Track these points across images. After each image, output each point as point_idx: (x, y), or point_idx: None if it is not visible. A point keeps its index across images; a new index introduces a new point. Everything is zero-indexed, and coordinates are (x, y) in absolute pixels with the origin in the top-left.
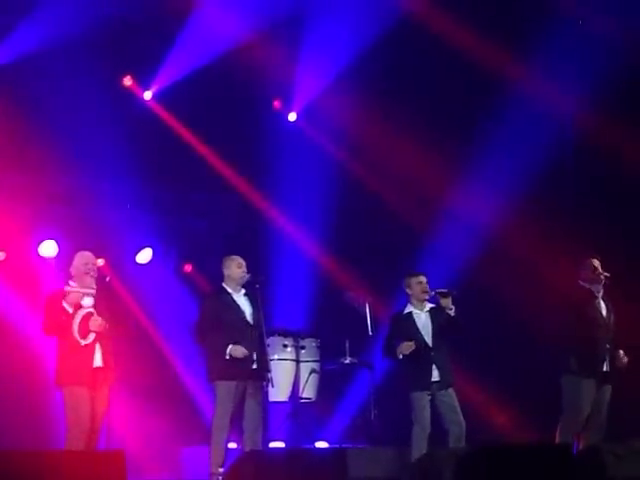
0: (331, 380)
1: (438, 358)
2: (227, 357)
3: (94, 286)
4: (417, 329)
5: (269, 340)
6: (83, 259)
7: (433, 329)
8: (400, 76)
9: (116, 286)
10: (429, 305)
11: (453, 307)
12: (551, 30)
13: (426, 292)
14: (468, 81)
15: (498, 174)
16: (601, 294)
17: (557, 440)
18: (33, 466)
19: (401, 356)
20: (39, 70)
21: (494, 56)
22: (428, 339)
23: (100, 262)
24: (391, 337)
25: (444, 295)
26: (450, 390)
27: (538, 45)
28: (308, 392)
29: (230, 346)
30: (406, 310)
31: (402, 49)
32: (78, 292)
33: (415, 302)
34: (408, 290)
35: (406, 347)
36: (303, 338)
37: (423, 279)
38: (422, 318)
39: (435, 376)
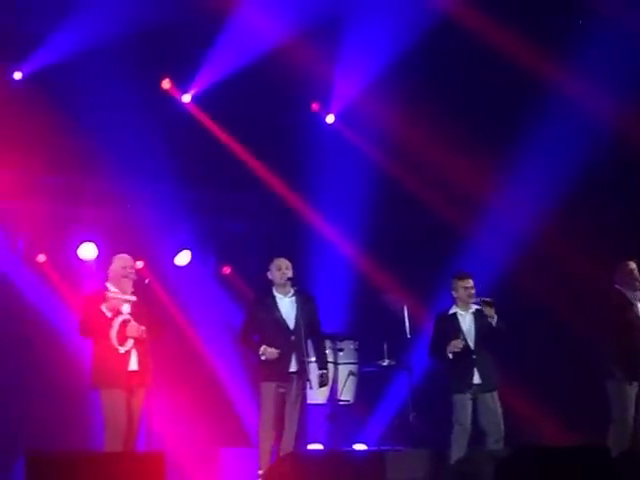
0: (369, 382)
1: (480, 361)
2: (262, 358)
3: (132, 289)
4: (461, 331)
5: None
6: (121, 262)
7: (476, 332)
8: (438, 77)
9: (155, 288)
10: (474, 307)
11: (495, 316)
12: (590, 30)
13: (471, 297)
14: (506, 82)
15: (536, 175)
16: (638, 297)
17: (609, 444)
18: (74, 467)
19: (451, 355)
20: (78, 73)
21: (532, 57)
22: (471, 341)
23: (139, 265)
24: (436, 337)
25: (488, 304)
26: (494, 393)
27: (577, 46)
28: (346, 394)
29: (262, 347)
30: (451, 311)
31: (440, 50)
32: (119, 299)
33: (460, 304)
34: (454, 292)
35: (455, 344)
36: (341, 340)
37: (470, 283)
38: (467, 320)
39: (476, 379)
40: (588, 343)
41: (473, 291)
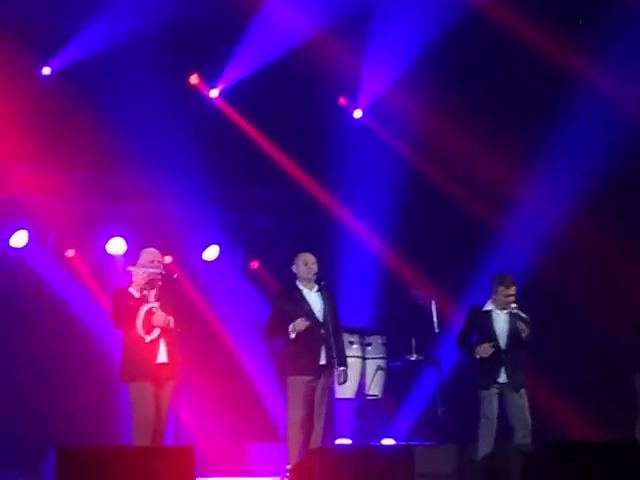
0: (397, 377)
1: (508, 360)
2: (292, 336)
3: (159, 277)
4: (493, 329)
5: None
6: (149, 256)
7: (509, 332)
8: (467, 72)
9: (183, 283)
10: (509, 307)
11: (527, 331)
12: (621, 26)
13: (510, 303)
14: (536, 77)
15: (566, 171)
16: None
17: (637, 438)
18: (103, 462)
19: (478, 356)
20: (107, 68)
21: (561, 50)
22: (502, 341)
23: (168, 259)
24: (467, 330)
25: (522, 320)
26: (522, 391)
27: (608, 41)
28: (374, 389)
29: (291, 325)
30: (486, 307)
31: (469, 45)
32: (141, 270)
33: (497, 304)
34: (493, 293)
35: (485, 349)
36: (369, 335)
37: (512, 291)
38: (501, 319)
39: (503, 378)
40: (616, 337)
41: (513, 299)
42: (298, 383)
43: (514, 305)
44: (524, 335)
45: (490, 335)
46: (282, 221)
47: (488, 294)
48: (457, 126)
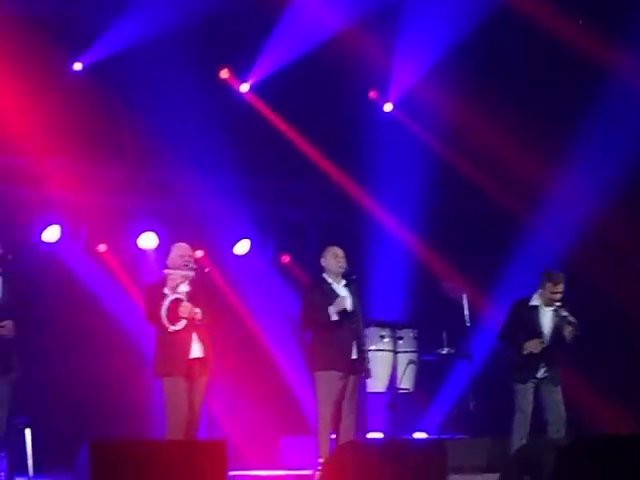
0: (429, 371)
1: (549, 357)
2: (335, 317)
3: (191, 277)
4: (540, 325)
5: (366, 331)
6: (180, 250)
7: (552, 330)
8: (497, 64)
9: (214, 277)
10: (554, 305)
11: (573, 334)
12: None
13: (556, 301)
14: (567, 69)
15: (597, 163)
16: None
17: None
18: (136, 456)
19: (526, 352)
20: (137, 63)
21: (592, 43)
22: (545, 337)
23: (199, 254)
24: (512, 324)
25: (570, 323)
26: (557, 387)
27: (638, 31)
28: (406, 383)
29: (331, 307)
30: (533, 302)
31: (499, 37)
32: (177, 275)
33: (543, 299)
34: (541, 289)
35: (536, 345)
36: (400, 329)
37: (560, 288)
38: (547, 316)
39: (541, 373)
40: None
41: (560, 296)
42: (327, 378)
43: (558, 304)
44: (569, 337)
45: (536, 331)
46: (312, 215)
47: (519, 287)
48: (487, 119)
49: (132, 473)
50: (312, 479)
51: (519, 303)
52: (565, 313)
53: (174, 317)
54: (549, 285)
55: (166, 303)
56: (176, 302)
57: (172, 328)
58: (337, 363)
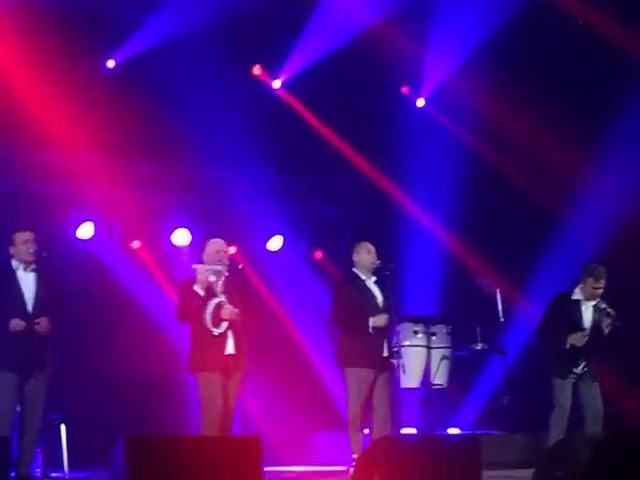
0: (462, 366)
1: (587, 352)
2: (371, 330)
3: (224, 271)
4: (581, 319)
5: (400, 327)
6: (215, 246)
7: (592, 325)
8: (530, 59)
9: (248, 273)
10: (595, 300)
11: (611, 327)
12: None
13: (597, 297)
14: (601, 63)
15: (631, 158)
16: None
17: None
18: (172, 451)
19: (569, 346)
20: (168, 61)
21: (629, 37)
22: (587, 332)
23: (232, 250)
24: (552, 317)
25: (608, 315)
26: (595, 383)
27: None
28: (439, 378)
29: (371, 318)
30: (575, 296)
31: (532, 32)
32: (204, 268)
33: (584, 294)
34: (583, 284)
35: (580, 338)
36: (434, 324)
37: (602, 284)
38: (588, 310)
39: (580, 369)
40: None
41: (601, 292)
42: (357, 374)
43: (599, 300)
44: (607, 329)
45: (578, 325)
46: (345, 211)
47: (553, 282)
48: (520, 113)
49: (167, 468)
50: (346, 474)
51: (560, 297)
52: (604, 305)
53: (218, 320)
54: (591, 280)
55: (210, 308)
56: (218, 306)
57: (217, 331)
58: (367, 360)
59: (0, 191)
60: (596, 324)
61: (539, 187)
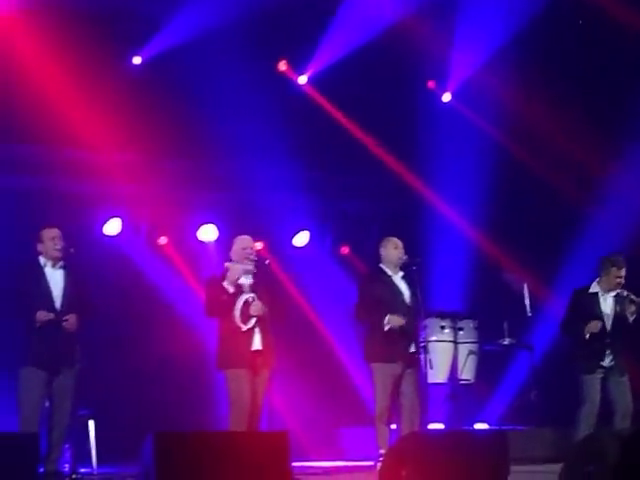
0: (490, 361)
1: (613, 344)
2: (386, 328)
3: (254, 270)
4: (600, 311)
5: (427, 322)
6: (242, 243)
7: (615, 316)
8: (557, 54)
9: (275, 269)
10: (617, 290)
11: (634, 316)
12: None
13: (619, 286)
14: (627, 59)
15: None
16: None
17: None
18: (201, 447)
19: (588, 335)
20: (196, 56)
21: None
22: (608, 324)
23: (259, 246)
24: (572, 313)
25: (633, 302)
26: (624, 378)
27: None
28: (467, 373)
29: (388, 316)
30: (592, 289)
31: (559, 26)
32: (238, 268)
33: (604, 286)
34: (603, 274)
35: (595, 325)
36: (461, 319)
37: (623, 273)
38: (607, 302)
39: (607, 362)
40: None
41: (623, 281)
42: (383, 370)
43: (620, 289)
44: (631, 316)
45: (596, 318)
46: (372, 206)
47: (580, 277)
48: (547, 108)
49: (196, 464)
50: (373, 470)
51: (578, 292)
52: (627, 292)
53: (246, 317)
54: (614, 270)
55: (239, 304)
56: (247, 302)
57: (245, 327)
58: (393, 355)
59: (29, 189)
60: (619, 314)
61: (565, 181)
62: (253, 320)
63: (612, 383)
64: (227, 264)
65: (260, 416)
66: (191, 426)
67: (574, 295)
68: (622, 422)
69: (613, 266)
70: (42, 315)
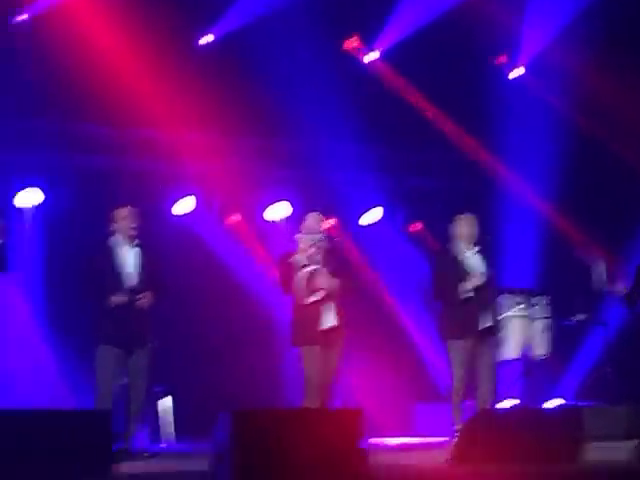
0: (564, 337)
1: None
2: (462, 296)
3: (325, 243)
4: None
5: (500, 298)
6: (313, 220)
7: None
8: (628, 25)
9: (346, 246)
10: None
11: None
12: None
13: None
14: None
15: None
16: None
17: None
18: (276, 424)
19: None
20: (266, 34)
21: None
22: None
23: (331, 222)
24: (637, 288)
25: None
26: None
27: None
28: (541, 349)
29: (463, 283)
30: None
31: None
32: (308, 239)
33: None
34: None
35: None
36: (534, 296)
37: None
38: None
39: None
40: None
41: None
42: (458, 346)
43: None
44: None
45: None
46: (442, 183)
47: None
48: (619, 83)
49: (271, 441)
50: (448, 446)
51: None
52: None
53: (312, 288)
54: None
55: (304, 274)
56: (312, 273)
57: (308, 300)
58: (467, 332)
59: (101, 169)
60: None
61: (638, 156)
62: (320, 293)
63: None
64: (297, 235)
65: (333, 392)
66: (265, 403)
67: (638, 268)
68: None
69: None
70: (117, 300)
